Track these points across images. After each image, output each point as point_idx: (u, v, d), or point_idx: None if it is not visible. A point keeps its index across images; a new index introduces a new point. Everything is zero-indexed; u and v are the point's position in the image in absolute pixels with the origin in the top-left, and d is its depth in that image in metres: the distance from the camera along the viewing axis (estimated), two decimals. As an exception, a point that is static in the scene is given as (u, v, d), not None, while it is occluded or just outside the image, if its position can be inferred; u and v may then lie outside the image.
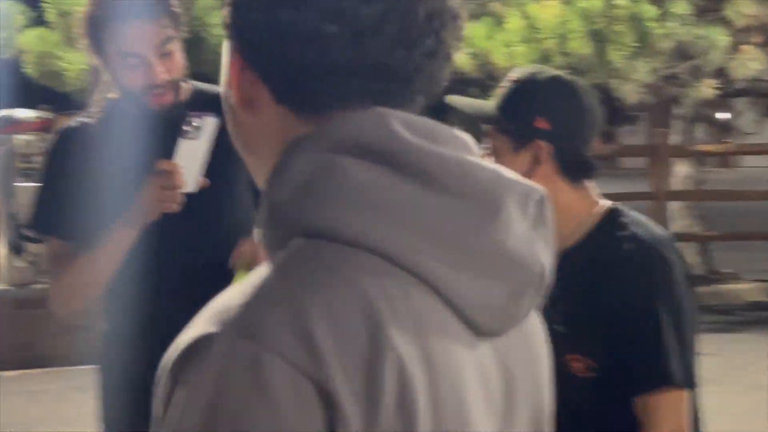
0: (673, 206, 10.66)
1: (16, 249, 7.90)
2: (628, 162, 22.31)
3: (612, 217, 2.07)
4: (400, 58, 0.94)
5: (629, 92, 9.16)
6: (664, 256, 2.00)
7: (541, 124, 2.05)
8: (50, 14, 9.00)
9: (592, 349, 2.01)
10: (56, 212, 2.50)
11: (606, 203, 2.10)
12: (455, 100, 2.17)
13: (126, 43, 2.38)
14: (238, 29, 0.98)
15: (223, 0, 1.01)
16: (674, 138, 10.76)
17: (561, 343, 2.05)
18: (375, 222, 0.90)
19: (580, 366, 2.02)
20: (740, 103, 15.03)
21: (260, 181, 0.99)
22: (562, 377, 2.04)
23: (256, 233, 0.98)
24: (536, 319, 1.05)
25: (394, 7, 0.93)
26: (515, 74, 2.11)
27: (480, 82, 9.95)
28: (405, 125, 0.94)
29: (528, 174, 2.04)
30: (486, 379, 0.96)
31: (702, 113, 11.30)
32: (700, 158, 11.05)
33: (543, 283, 0.97)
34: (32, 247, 7.68)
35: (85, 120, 2.55)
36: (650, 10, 8.70)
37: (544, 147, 2.05)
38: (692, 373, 2.00)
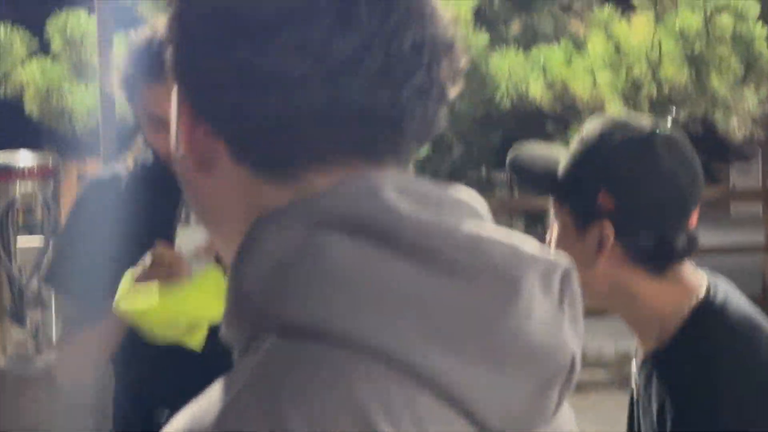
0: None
1: (16, 318, 7.86)
2: (740, 207, 22.00)
3: (699, 315, 1.87)
4: (385, 99, 0.89)
5: (735, 126, 9.01)
6: (755, 385, 1.79)
7: (606, 201, 1.88)
8: (55, 43, 9.03)
9: None
10: (74, 270, 2.62)
11: (701, 292, 1.88)
12: (523, 152, 1.99)
13: (149, 105, 2.47)
14: (184, 73, 0.93)
15: (166, 38, 0.96)
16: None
17: None
18: (368, 315, 0.84)
19: None
20: None
21: (228, 261, 0.94)
22: None
23: (222, 330, 0.92)
24: (566, 410, 1.00)
25: (374, 39, 0.89)
26: (586, 129, 1.93)
27: (558, 117, 9.83)
28: (400, 192, 0.89)
29: (592, 260, 1.87)
30: None
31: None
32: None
33: (573, 373, 0.93)
34: (35, 316, 7.63)
35: (118, 171, 2.65)
36: (759, 30, 8.55)
37: (608, 229, 1.87)
38: None
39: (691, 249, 1.90)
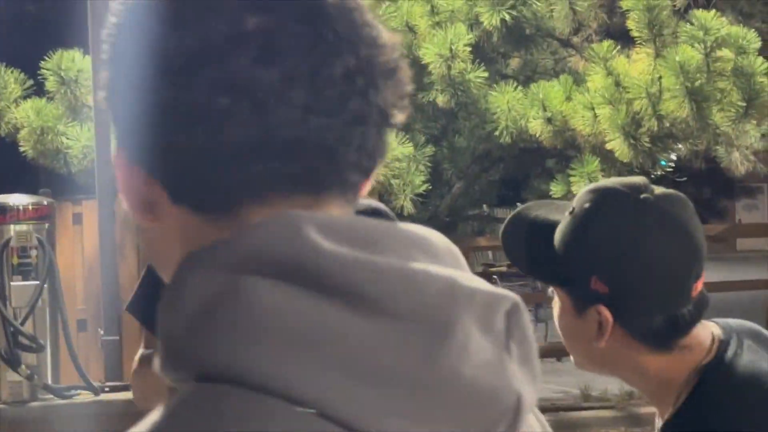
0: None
1: (10, 361, 7.83)
2: (747, 243, 21.94)
3: (705, 381, 1.83)
4: (317, 128, 0.88)
5: (737, 161, 9.02)
6: None
7: (598, 286, 1.81)
8: (50, 83, 9.03)
9: None
10: (151, 303, 2.87)
11: (711, 354, 1.84)
12: (512, 230, 1.94)
13: None
14: (115, 117, 0.93)
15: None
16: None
17: None
18: (288, 359, 0.82)
19: None
20: None
21: None
22: None
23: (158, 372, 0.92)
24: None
25: (300, 67, 0.88)
26: (575, 204, 1.86)
27: (559, 152, 9.83)
28: (324, 230, 0.87)
29: (596, 342, 1.83)
30: None
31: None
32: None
33: (519, 414, 0.89)
34: (29, 358, 7.60)
35: None
36: (760, 63, 8.57)
37: (606, 313, 1.82)
38: None
39: (698, 317, 1.84)
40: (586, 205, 1.85)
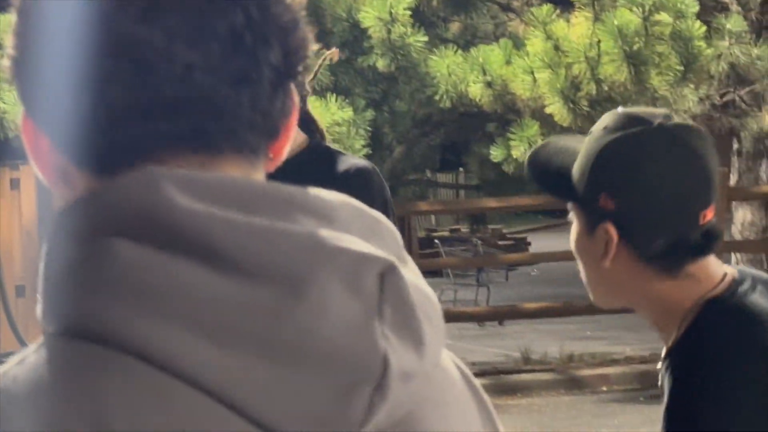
0: (734, 259, 10.52)
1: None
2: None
3: (706, 313, 1.86)
4: (201, 86, 0.88)
5: (676, 124, 9.06)
6: (742, 388, 1.81)
7: (606, 203, 1.87)
8: (-15, 47, 8.94)
9: None
10: None
11: (719, 288, 1.87)
12: (540, 152, 2.00)
13: None
14: (20, 85, 0.93)
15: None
16: (734, 178, 10.64)
17: None
18: (135, 314, 0.82)
19: None
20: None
21: None
22: None
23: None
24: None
25: (184, 25, 0.87)
26: (595, 126, 1.93)
27: (498, 117, 9.87)
28: (183, 187, 0.86)
29: (602, 261, 1.87)
30: None
31: (766, 147, 11.17)
32: (765, 201, 10.90)
33: (389, 378, 0.86)
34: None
35: None
36: (698, 27, 8.63)
37: (612, 231, 1.86)
38: None
39: (708, 245, 1.88)
40: (603, 125, 1.91)
